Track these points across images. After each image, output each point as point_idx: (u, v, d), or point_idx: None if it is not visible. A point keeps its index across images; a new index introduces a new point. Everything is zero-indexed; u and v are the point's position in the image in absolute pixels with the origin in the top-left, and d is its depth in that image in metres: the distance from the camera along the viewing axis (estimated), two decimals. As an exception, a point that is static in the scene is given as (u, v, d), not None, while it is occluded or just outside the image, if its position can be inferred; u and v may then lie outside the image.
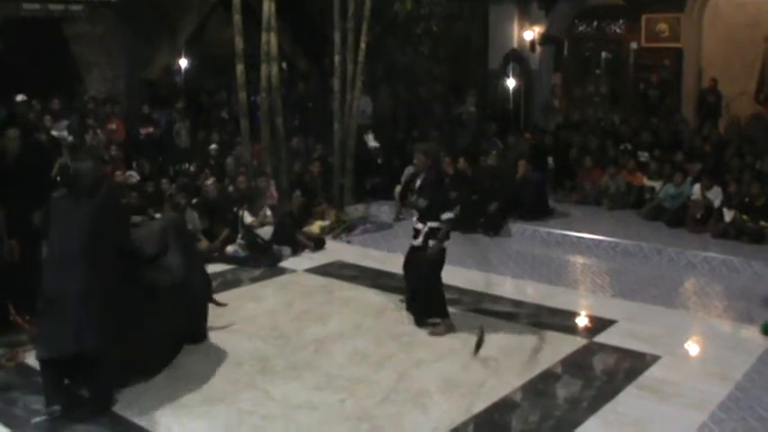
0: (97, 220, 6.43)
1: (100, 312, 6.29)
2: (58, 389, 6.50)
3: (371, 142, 15.87)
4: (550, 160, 15.85)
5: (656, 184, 13.80)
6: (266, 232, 11.46)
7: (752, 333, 8.41)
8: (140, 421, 6.31)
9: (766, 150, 14.31)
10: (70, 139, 13.65)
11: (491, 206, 13.06)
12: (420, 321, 8.49)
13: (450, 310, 8.68)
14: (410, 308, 8.79)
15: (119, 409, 6.49)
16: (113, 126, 14.54)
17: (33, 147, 10.34)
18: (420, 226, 8.34)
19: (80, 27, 15.97)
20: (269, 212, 11.65)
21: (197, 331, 8.01)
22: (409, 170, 14.48)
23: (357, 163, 14.86)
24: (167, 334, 7.33)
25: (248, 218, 11.42)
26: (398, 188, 14.27)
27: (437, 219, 8.20)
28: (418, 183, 8.45)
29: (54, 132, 13.40)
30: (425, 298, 8.49)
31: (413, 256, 8.57)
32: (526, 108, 19.79)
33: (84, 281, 6.26)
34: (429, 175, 8.36)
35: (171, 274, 7.43)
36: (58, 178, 11.89)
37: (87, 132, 13.99)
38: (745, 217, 11.91)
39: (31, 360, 7.11)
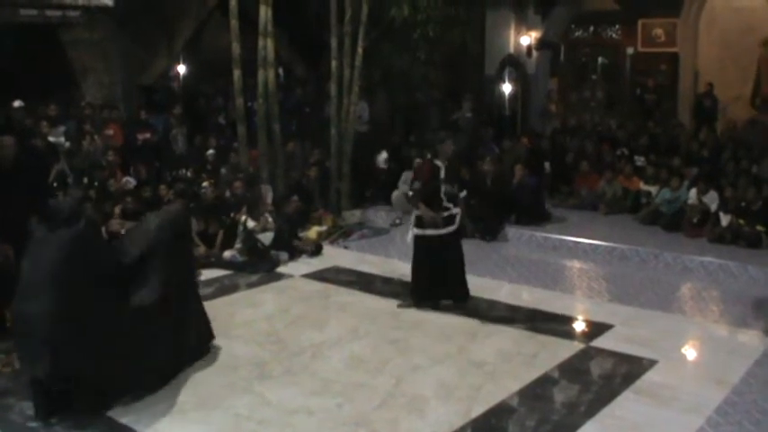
0: (70, 250, 6.42)
1: (72, 338, 6.29)
2: (45, 402, 6.48)
3: (383, 164, 15.79)
4: (547, 165, 15.87)
5: (653, 189, 13.82)
6: (267, 238, 11.45)
7: (748, 337, 8.43)
8: (137, 426, 6.31)
9: (762, 155, 14.33)
10: (67, 144, 13.66)
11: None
12: (464, 300, 9.25)
13: (446, 314, 8.73)
14: (435, 296, 9.25)
15: (115, 414, 6.49)
16: (110, 132, 14.54)
17: (30, 152, 10.35)
18: (455, 211, 9.03)
19: (77, 33, 15.95)
20: (270, 219, 11.64)
21: (201, 341, 7.86)
22: (408, 175, 14.55)
23: (359, 175, 14.89)
24: (162, 348, 7.16)
25: (251, 222, 11.40)
26: (396, 193, 14.31)
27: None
28: (443, 174, 8.97)
29: (51, 138, 13.40)
30: (462, 275, 9.26)
31: (442, 243, 9.04)
32: (523, 113, 19.80)
33: (54, 308, 6.23)
34: (451, 164, 9.11)
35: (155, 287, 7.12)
36: (55, 184, 11.93)
37: (84, 138, 13.99)
38: (741, 221, 11.93)
39: (28, 366, 7.11)
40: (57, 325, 6.23)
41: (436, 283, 9.16)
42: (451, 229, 9.02)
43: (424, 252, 9.11)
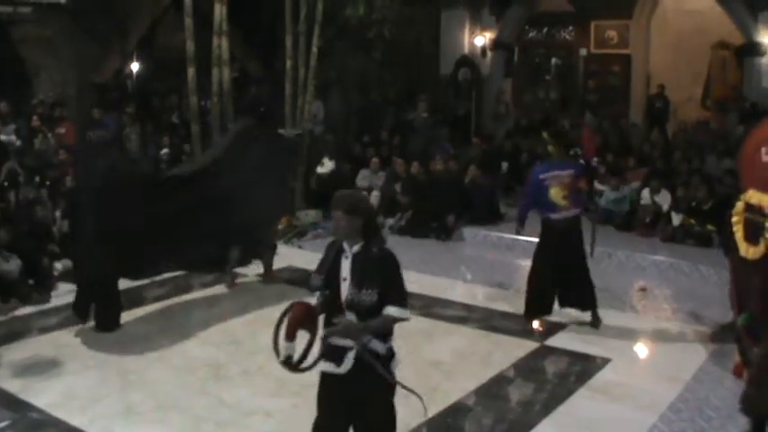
0: (108, 175, 8.42)
1: (111, 247, 8.10)
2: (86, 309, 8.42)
3: (322, 168, 15.43)
4: (505, 165, 15.95)
5: (606, 189, 13.93)
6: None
7: (700, 335, 8.55)
8: (93, 429, 6.24)
9: (713, 154, 14.54)
10: (18, 143, 13.48)
11: (448, 219, 13.12)
12: None
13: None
14: None
15: (68, 417, 6.42)
16: (62, 130, 14.37)
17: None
18: (348, 342, 4.75)
19: (28, 29, 15.74)
20: None
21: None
22: (364, 173, 14.58)
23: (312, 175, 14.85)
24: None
25: None
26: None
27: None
28: (346, 263, 4.81)
29: (1, 137, 13.21)
30: None
31: (337, 399, 4.93)
32: (477, 113, 19.87)
33: (96, 223, 8.07)
34: (369, 245, 4.75)
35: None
36: (5, 183, 11.74)
37: (36, 136, 13.82)
38: (692, 221, 12.10)
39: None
40: (100, 235, 8.07)
41: None
42: (342, 370, 4.79)
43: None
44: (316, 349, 4.89)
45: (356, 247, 4.78)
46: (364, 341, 4.73)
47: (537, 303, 8.69)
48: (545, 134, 8.82)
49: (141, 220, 8.32)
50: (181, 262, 9.36)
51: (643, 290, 10.04)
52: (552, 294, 8.63)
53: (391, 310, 4.72)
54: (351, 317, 4.74)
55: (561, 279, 8.54)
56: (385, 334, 4.89)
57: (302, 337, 4.83)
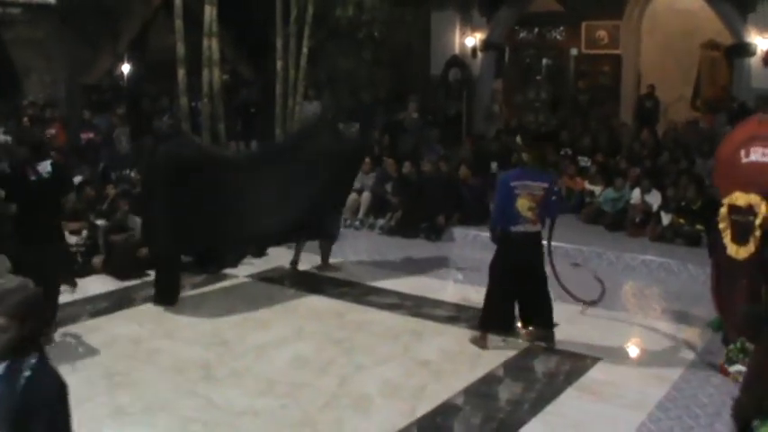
0: (165, 164, 9.32)
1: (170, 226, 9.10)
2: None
3: None
4: (494, 165, 15.95)
5: (596, 189, 13.96)
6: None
7: (688, 334, 8.58)
8: (81, 430, 6.16)
9: (699, 155, 14.57)
10: (9, 143, 13.46)
11: (438, 219, 13.12)
12: None
13: (392, 314, 8.72)
14: None
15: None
16: (53, 131, 14.35)
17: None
18: None
19: (19, 30, 15.72)
20: None
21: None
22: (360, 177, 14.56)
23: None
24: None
25: None
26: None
27: None
28: None
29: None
30: None
31: None
32: (468, 114, 19.87)
33: (163, 206, 9.08)
34: (17, 365, 3.44)
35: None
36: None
37: (26, 137, 13.80)
38: (681, 220, 12.12)
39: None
40: (164, 217, 9.08)
41: None
42: None
43: None
44: None
45: (2, 368, 3.33)
46: None
47: (494, 318, 8.16)
48: (518, 139, 8.35)
49: (211, 201, 9.23)
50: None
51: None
52: (511, 311, 8.16)
53: None
54: None
55: (520, 296, 8.06)
56: None
57: None
